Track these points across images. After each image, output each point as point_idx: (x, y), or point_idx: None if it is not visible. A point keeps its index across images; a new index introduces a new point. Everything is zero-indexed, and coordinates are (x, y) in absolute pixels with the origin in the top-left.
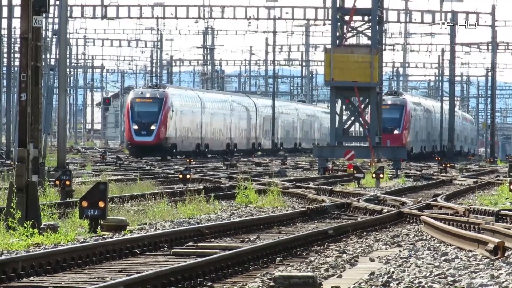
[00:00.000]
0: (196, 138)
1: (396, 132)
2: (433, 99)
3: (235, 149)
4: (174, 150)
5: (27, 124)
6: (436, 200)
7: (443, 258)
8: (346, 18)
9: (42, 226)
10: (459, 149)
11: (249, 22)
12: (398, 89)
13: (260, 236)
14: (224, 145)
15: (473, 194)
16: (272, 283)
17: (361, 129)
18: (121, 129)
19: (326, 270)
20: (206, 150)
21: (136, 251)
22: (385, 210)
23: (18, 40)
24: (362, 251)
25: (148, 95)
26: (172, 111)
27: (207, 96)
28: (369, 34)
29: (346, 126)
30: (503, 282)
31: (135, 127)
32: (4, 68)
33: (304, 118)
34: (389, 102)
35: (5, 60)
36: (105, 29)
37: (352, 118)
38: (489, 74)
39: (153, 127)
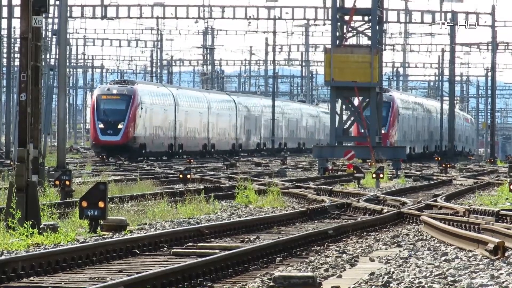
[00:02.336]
0: (169, 138)
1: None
2: (426, 98)
3: (213, 150)
4: (144, 151)
5: (27, 124)
6: (436, 200)
7: (443, 258)
8: (346, 18)
9: (42, 226)
10: (458, 149)
11: (249, 22)
12: (398, 89)
13: (260, 236)
14: (200, 146)
15: (473, 194)
16: (272, 283)
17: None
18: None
19: (326, 270)
20: (180, 150)
21: (136, 251)
22: (385, 210)
23: (18, 40)
24: (362, 251)
25: (115, 91)
26: (142, 108)
27: (182, 93)
28: (369, 34)
29: (346, 126)
30: (503, 282)
31: (101, 125)
32: (4, 68)
33: (290, 116)
34: None
35: (5, 60)
36: (105, 29)
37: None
38: (489, 74)
39: (120, 126)
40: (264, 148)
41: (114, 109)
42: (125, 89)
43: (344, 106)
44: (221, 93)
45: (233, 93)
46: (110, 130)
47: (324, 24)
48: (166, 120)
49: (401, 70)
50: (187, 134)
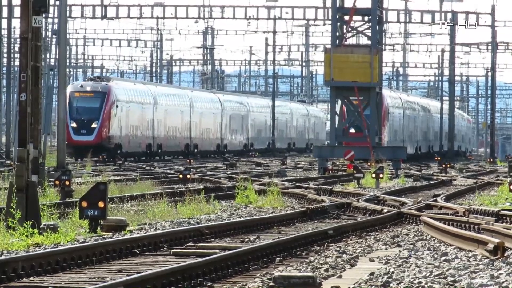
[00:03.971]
0: (147, 138)
1: None
2: (420, 96)
3: (196, 150)
4: (119, 151)
5: (27, 124)
6: (436, 200)
7: (443, 258)
8: (346, 18)
9: (42, 226)
10: (454, 148)
11: (249, 22)
12: (398, 89)
13: (260, 236)
14: (182, 146)
15: (473, 195)
16: (272, 283)
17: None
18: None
19: (326, 270)
20: (159, 151)
21: (136, 251)
22: (385, 210)
23: (18, 40)
24: (362, 251)
25: (88, 88)
26: (117, 106)
27: (161, 91)
28: (369, 34)
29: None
30: (503, 282)
31: (74, 125)
32: (4, 68)
33: (279, 116)
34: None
35: (5, 60)
36: (105, 29)
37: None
38: (489, 74)
39: (94, 125)
40: (252, 148)
41: (87, 107)
42: (99, 86)
43: (344, 106)
44: (205, 91)
45: (219, 92)
46: (83, 130)
47: (324, 24)
48: (144, 119)
49: (401, 70)
50: (167, 133)
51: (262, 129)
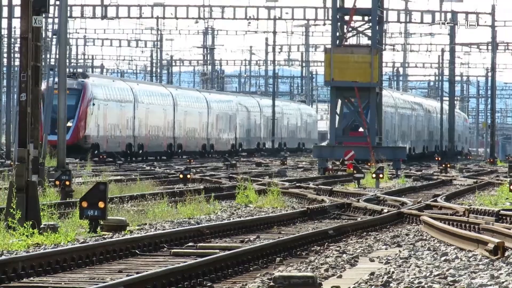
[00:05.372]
0: (127, 137)
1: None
2: (409, 94)
3: (180, 151)
4: (96, 152)
5: (27, 124)
6: (436, 200)
7: (443, 258)
8: (346, 18)
9: (42, 226)
10: (452, 148)
11: (249, 22)
12: (398, 89)
13: (260, 236)
14: (165, 146)
15: (473, 195)
16: (272, 283)
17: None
18: None
19: (326, 270)
20: (140, 151)
21: (136, 251)
22: (385, 210)
23: (18, 40)
24: (362, 251)
25: None
26: (94, 104)
27: (142, 89)
28: (369, 34)
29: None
30: (503, 282)
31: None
32: (4, 68)
33: (270, 115)
34: None
35: (5, 60)
36: (105, 29)
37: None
38: (489, 74)
39: (69, 123)
40: (240, 149)
41: None
42: (74, 83)
43: (344, 106)
44: (190, 89)
45: (204, 90)
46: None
47: (324, 24)
48: (123, 118)
49: (401, 70)
50: (149, 133)
51: (251, 129)
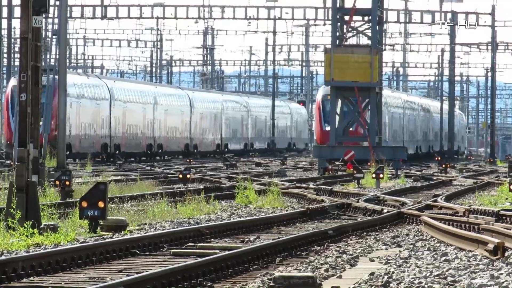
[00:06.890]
0: (102, 137)
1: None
2: (407, 94)
3: (160, 151)
4: (68, 152)
5: (27, 124)
6: (436, 201)
7: (443, 258)
8: (346, 18)
9: (42, 226)
10: (445, 148)
11: (249, 22)
12: (398, 89)
13: (260, 236)
14: (144, 146)
15: (473, 195)
16: (272, 283)
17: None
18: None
19: (326, 270)
20: (117, 152)
21: (136, 251)
22: (385, 211)
23: (18, 40)
24: (362, 251)
25: None
26: None
27: (119, 86)
28: (369, 34)
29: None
30: (503, 283)
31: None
32: (4, 68)
33: (257, 114)
34: None
35: (5, 60)
36: (105, 29)
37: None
38: (489, 74)
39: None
40: (226, 150)
41: None
42: (44, 80)
43: (344, 106)
44: (172, 87)
45: (187, 88)
46: None
47: (324, 24)
48: (98, 116)
49: (401, 70)
50: (126, 132)
51: (238, 129)
